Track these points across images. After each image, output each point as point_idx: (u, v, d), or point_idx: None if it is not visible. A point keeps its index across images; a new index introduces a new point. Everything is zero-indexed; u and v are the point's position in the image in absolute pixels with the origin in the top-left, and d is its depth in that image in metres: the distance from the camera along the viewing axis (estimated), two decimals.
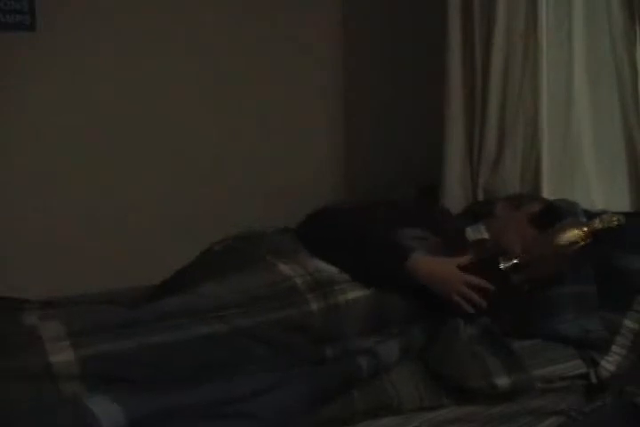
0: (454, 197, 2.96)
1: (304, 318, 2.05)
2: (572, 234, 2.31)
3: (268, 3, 3.41)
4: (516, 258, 2.26)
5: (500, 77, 2.88)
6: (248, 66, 3.39)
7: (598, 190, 2.81)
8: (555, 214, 2.47)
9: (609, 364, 2.38)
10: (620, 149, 2.72)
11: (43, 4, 2.87)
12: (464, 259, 2.21)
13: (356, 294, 2.15)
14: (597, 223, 2.33)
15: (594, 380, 2.37)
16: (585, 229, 2.32)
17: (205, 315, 1.95)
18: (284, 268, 2.14)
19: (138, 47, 3.11)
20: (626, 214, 2.57)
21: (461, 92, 2.97)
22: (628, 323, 2.42)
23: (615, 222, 2.34)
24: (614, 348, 2.40)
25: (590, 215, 2.51)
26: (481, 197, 2.96)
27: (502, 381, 2.12)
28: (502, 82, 2.88)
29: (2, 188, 2.92)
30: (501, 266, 2.25)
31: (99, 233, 3.08)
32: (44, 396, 1.72)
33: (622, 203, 2.73)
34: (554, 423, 2.27)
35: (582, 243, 2.30)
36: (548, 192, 2.83)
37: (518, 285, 2.30)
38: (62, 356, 1.77)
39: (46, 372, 1.75)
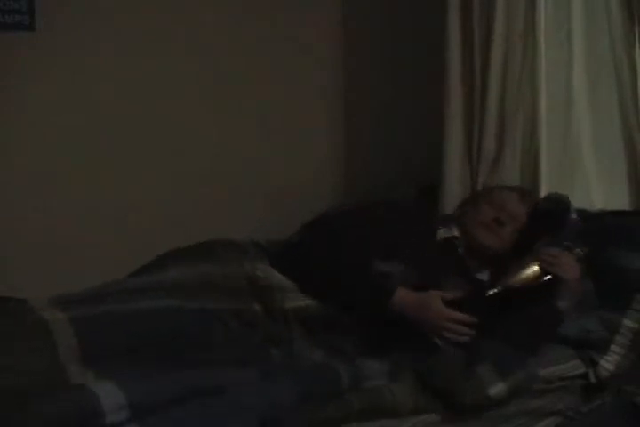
0: (454, 196, 2.95)
1: (251, 315, 2.19)
2: (533, 271, 2.32)
3: (267, 3, 3.41)
4: (499, 286, 2.29)
5: (500, 77, 2.88)
6: (248, 66, 3.38)
7: (598, 190, 2.82)
8: (556, 213, 2.50)
9: (608, 363, 2.38)
10: (619, 148, 2.72)
11: (42, 4, 2.87)
12: (447, 295, 2.24)
13: (297, 303, 2.24)
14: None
15: (593, 380, 2.37)
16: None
17: (173, 291, 2.16)
18: (236, 266, 2.31)
19: (138, 47, 3.11)
20: (625, 213, 2.58)
21: (461, 91, 2.97)
22: (627, 322, 2.42)
23: (582, 254, 2.37)
24: (613, 347, 2.40)
25: (589, 215, 2.51)
26: None
27: (497, 389, 2.11)
28: (501, 81, 2.89)
29: (2, 187, 2.92)
30: (487, 293, 2.29)
31: (99, 233, 3.08)
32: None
33: (621, 202, 2.74)
34: (551, 424, 2.28)
35: (545, 278, 2.32)
36: (546, 190, 2.83)
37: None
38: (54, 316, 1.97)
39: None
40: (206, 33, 3.26)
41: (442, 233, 2.51)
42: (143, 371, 1.91)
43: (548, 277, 2.33)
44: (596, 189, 2.82)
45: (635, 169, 2.69)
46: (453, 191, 2.96)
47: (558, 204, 2.53)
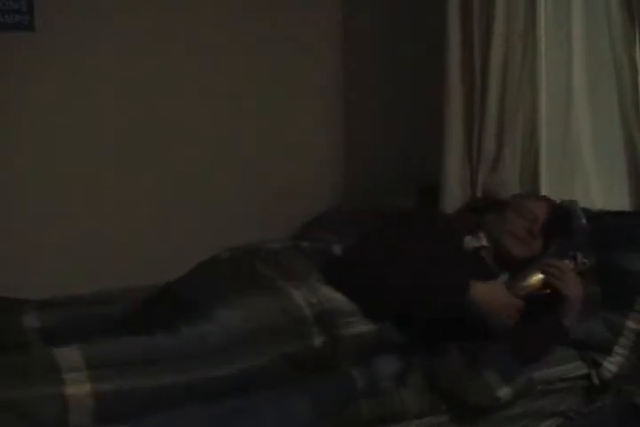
0: (454, 196, 2.96)
1: (306, 353, 2.09)
2: (537, 280, 2.33)
3: (267, 3, 3.40)
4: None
5: (500, 77, 2.88)
6: (248, 66, 3.38)
7: (597, 190, 2.82)
8: (564, 220, 2.49)
9: (611, 365, 2.38)
10: (619, 148, 2.71)
11: (41, 3, 2.87)
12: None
13: (360, 329, 2.18)
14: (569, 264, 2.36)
15: (596, 381, 2.36)
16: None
17: (214, 355, 1.97)
18: (296, 294, 2.17)
19: (138, 47, 3.11)
20: (626, 213, 2.58)
21: (461, 91, 2.96)
22: (630, 324, 2.41)
23: (587, 265, 2.37)
24: (617, 349, 2.40)
25: (589, 215, 2.51)
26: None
27: (504, 391, 2.10)
28: (501, 81, 2.88)
29: (1, 187, 2.91)
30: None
31: (98, 233, 3.08)
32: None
33: (621, 202, 2.73)
34: (552, 425, 2.28)
35: (547, 291, 2.32)
36: (546, 192, 2.83)
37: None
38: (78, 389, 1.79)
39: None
40: (206, 33, 3.25)
41: (469, 242, 2.48)
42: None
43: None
44: (595, 189, 2.81)
45: (635, 169, 2.68)
46: (453, 191, 2.96)
47: (568, 211, 2.53)
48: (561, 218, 2.50)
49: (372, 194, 3.31)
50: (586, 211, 2.55)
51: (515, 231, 2.47)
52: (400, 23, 3.37)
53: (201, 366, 1.94)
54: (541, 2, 2.82)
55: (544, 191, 2.83)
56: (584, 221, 2.49)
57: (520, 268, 2.40)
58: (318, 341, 2.11)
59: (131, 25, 3.08)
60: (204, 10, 3.26)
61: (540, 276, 2.33)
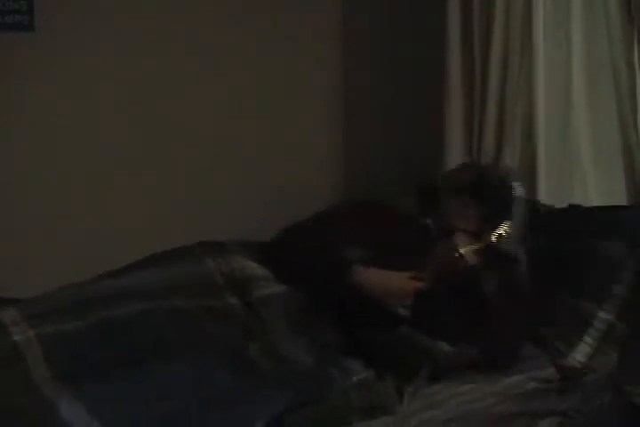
0: None
1: (227, 309, 2.23)
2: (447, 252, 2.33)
3: (267, 3, 3.40)
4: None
5: (499, 77, 2.89)
6: (248, 66, 3.38)
7: (595, 188, 2.82)
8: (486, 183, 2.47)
9: (579, 354, 2.37)
10: (616, 147, 2.73)
11: (42, 3, 2.87)
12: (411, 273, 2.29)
13: (272, 290, 2.30)
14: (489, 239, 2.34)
15: (557, 374, 2.33)
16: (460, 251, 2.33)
17: (142, 294, 2.17)
18: (210, 264, 2.36)
19: (138, 47, 3.11)
20: (614, 207, 2.58)
21: (461, 91, 2.97)
22: (602, 314, 2.41)
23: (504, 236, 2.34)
24: (585, 338, 2.39)
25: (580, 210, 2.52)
26: None
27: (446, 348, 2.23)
28: (501, 82, 2.89)
29: (1, 187, 2.92)
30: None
31: (98, 233, 3.08)
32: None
33: (619, 200, 2.73)
34: (551, 424, 2.28)
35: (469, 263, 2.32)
36: (545, 190, 2.84)
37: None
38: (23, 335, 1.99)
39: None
40: (206, 33, 3.25)
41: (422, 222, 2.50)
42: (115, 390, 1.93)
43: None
44: (593, 188, 2.82)
45: (632, 168, 2.69)
46: None
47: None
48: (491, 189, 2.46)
49: (371, 194, 3.30)
50: (576, 206, 2.56)
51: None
52: (400, 23, 3.37)
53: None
54: (540, 2, 2.82)
55: (543, 191, 2.84)
56: (520, 190, 2.43)
57: None
58: (235, 301, 2.26)
59: (131, 25, 3.07)
60: (204, 10, 3.25)
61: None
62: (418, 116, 3.27)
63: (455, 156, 2.98)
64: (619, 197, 2.73)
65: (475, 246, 2.34)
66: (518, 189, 2.44)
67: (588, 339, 2.39)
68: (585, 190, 2.83)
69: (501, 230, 2.35)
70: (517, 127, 2.87)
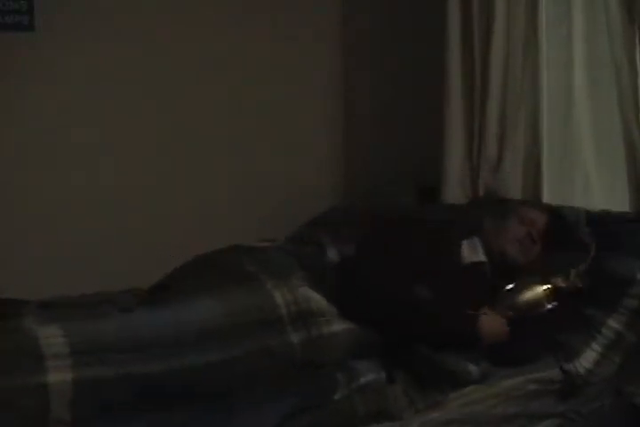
0: (454, 197, 2.96)
1: (285, 348, 2.13)
2: (536, 294, 2.37)
3: (268, 3, 3.39)
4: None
5: (500, 78, 2.88)
6: (248, 66, 3.37)
7: (598, 191, 2.81)
8: (561, 227, 2.53)
9: (585, 360, 2.37)
10: (619, 149, 2.71)
11: (42, 4, 2.87)
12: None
13: (339, 326, 2.24)
14: (561, 282, 2.41)
15: (560, 377, 2.34)
16: (548, 287, 2.38)
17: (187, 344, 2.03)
18: (275, 293, 2.23)
19: (137, 47, 3.11)
20: (628, 219, 2.58)
21: (461, 92, 2.97)
22: (611, 322, 2.42)
23: (579, 284, 2.42)
24: (593, 345, 2.39)
25: (590, 217, 2.52)
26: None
27: (473, 369, 2.22)
28: (502, 83, 2.89)
29: (1, 187, 2.91)
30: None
31: (99, 235, 3.07)
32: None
33: (622, 202, 2.73)
34: (552, 425, 2.28)
35: (548, 306, 2.36)
36: (548, 193, 2.84)
37: None
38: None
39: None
40: (206, 33, 3.25)
41: (467, 255, 2.50)
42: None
43: (554, 303, 2.37)
44: (596, 190, 2.81)
45: (634, 169, 2.68)
46: (454, 192, 2.97)
47: (568, 221, 2.58)
48: (561, 229, 2.53)
49: (371, 194, 3.30)
50: (588, 215, 2.57)
51: (518, 239, 2.48)
52: (400, 23, 3.37)
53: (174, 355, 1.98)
54: (541, 2, 2.81)
55: (546, 192, 2.84)
56: (585, 231, 2.50)
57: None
58: (296, 338, 2.15)
59: (130, 25, 3.08)
60: (204, 10, 3.25)
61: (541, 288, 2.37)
62: (418, 117, 3.27)
63: (456, 156, 2.97)
64: (621, 199, 2.72)
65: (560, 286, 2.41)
66: (588, 236, 2.53)
67: (595, 346, 2.39)
68: (587, 191, 2.82)
69: (573, 276, 2.43)
70: (519, 129, 2.86)
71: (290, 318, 2.18)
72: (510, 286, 2.40)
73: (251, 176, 3.40)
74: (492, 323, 2.29)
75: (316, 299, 2.27)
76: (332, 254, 2.60)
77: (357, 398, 2.08)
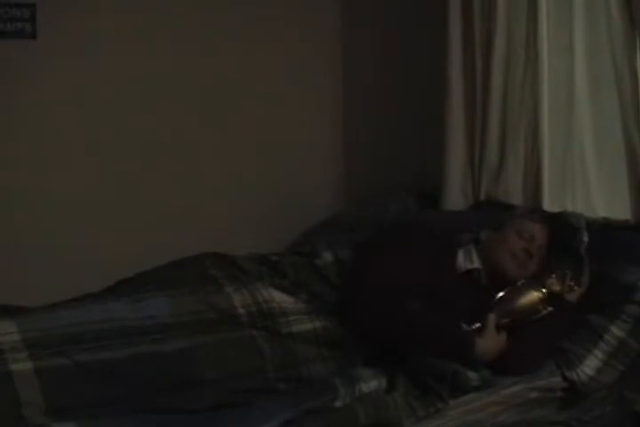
0: (456, 204, 2.97)
1: (246, 339, 2.24)
2: (530, 299, 2.39)
3: (268, 3, 3.38)
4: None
5: (501, 85, 2.89)
6: (248, 66, 3.36)
7: (599, 198, 2.81)
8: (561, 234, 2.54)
9: (588, 368, 2.37)
10: (620, 156, 2.71)
11: (44, 11, 2.86)
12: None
13: (304, 327, 2.32)
14: (556, 286, 2.42)
15: (564, 384, 2.35)
16: (543, 291, 2.40)
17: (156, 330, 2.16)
18: (234, 295, 2.33)
19: (138, 55, 3.10)
20: (629, 227, 2.59)
21: (462, 98, 2.97)
22: (614, 329, 2.42)
23: (574, 287, 2.44)
24: (595, 352, 2.39)
25: (592, 227, 2.54)
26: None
27: (473, 375, 2.23)
28: (503, 89, 2.89)
29: (3, 194, 2.92)
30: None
31: (98, 243, 3.06)
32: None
33: (623, 210, 2.74)
34: None
35: (544, 311, 2.39)
36: (549, 200, 2.84)
37: None
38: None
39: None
40: (206, 33, 3.23)
41: (462, 263, 2.52)
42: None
43: (550, 309, 2.39)
44: (597, 197, 2.81)
45: (636, 177, 2.68)
46: (454, 200, 2.97)
47: (568, 228, 2.57)
48: (561, 236, 2.53)
49: (371, 199, 3.28)
50: (589, 222, 2.57)
51: (512, 251, 2.48)
52: (400, 31, 3.33)
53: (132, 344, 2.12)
54: (542, 11, 2.80)
55: (546, 199, 2.84)
56: (585, 238, 2.51)
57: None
58: (258, 334, 2.27)
59: (132, 34, 3.07)
60: (205, 10, 3.23)
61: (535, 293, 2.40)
62: (419, 123, 3.26)
63: (457, 163, 2.98)
64: (622, 206, 2.73)
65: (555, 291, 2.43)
66: (585, 244, 2.53)
67: (597, 353, 2.39)
68: (588, 198, 2.81)
69: (572, 283, 2.45)
70: (520, 136, 2.86)
71: (249, 318, 2.29)
72: (502, 293, 2.41)
73: (250, 184, 3.38)
74: (486, 344, 2.31)
75: (281, 300, 2.36)
76: (328, 258, 2.62)
77: (358, 406, 2.08)
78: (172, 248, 3.08)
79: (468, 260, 2.52)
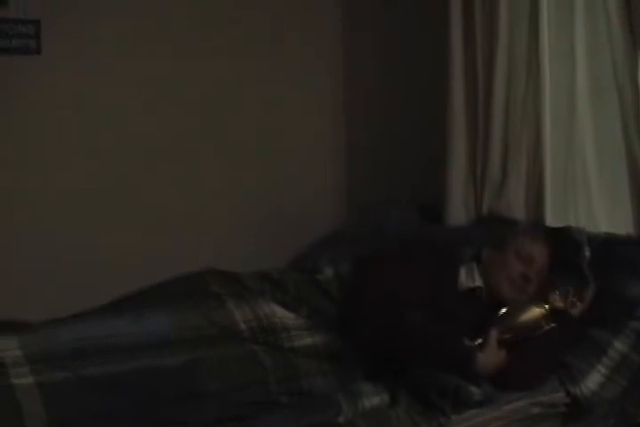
0: (457, 217, 2.97)
1: (247, 353, 2.27)
2: (533, 315, 2.40)
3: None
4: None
5: (503, 98, 2.89)
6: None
7: (601, 211, 2.81)
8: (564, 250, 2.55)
9: (591, 383, 2.37)
10: (622, 170, 2.72)
11: (49, 28, 2.88)
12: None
13: (305, 342, 2.35)
14: (558, 302, 2.43)
15: (566, 400, 2.35)
16: (545, 307, 2.41)
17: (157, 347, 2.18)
18: (235, 311, 2.36)
19: (141, 70, 3.12)
20: (632, 242, 2.60)
21: (464, 111, 2.98)
22: (617, 344, 2.42)
23: (577, 303, 2.44)
24: (599, 367, 2.40)
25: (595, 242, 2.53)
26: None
27: (475, 389, 2.23)
28: (505, 103, 2.90)
29: (6, 207, 2.93)
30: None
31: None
32: None
33: (625, 224, 2.74)
34: None
35: (546, 327, 2.39)
36: (551, 214, 2.84)
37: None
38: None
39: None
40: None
41: (464, 281, 2.52)
42: None
43: (552, 324, 2.40)
44: (599, 212, 2.81)
45: (638, 190, 2.69)
46: (457, 215, 2.98)
47: (570, 243, 2.59)
48: (563, 251, 2.54)
49: (372, 207, 3.27)
50: (591, 237, 2.58)
51: (510, 274, 2.48)
52: (401, 41, 3.34)
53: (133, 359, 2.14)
54: (544, 22, 2.80)
55: (549, 213, 2.84)
56: (587, 253, 2.51)
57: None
58: (259, 348, 2.29)
59: (135, 50, 3.09)
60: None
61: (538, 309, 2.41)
62: (421, 136, 3.27)
63: (458, 177, 2.98)
64: (624, 220, 2.73)
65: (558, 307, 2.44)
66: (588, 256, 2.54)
67: (600, 368, 2.39)
68: (590, 212, 2.81)
69: (575, 299, 2.46)
70: (522, 150, 2.86)
71: (250, 333, 2.31)
72: (504, 309, 2.42)
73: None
74: (487, 359, 2.31)
75: (282, 315, 2.38)
76: (329, 272, 2.64)
77: (361, 422, 2.10)
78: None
79: (470, 278, 2.52)
